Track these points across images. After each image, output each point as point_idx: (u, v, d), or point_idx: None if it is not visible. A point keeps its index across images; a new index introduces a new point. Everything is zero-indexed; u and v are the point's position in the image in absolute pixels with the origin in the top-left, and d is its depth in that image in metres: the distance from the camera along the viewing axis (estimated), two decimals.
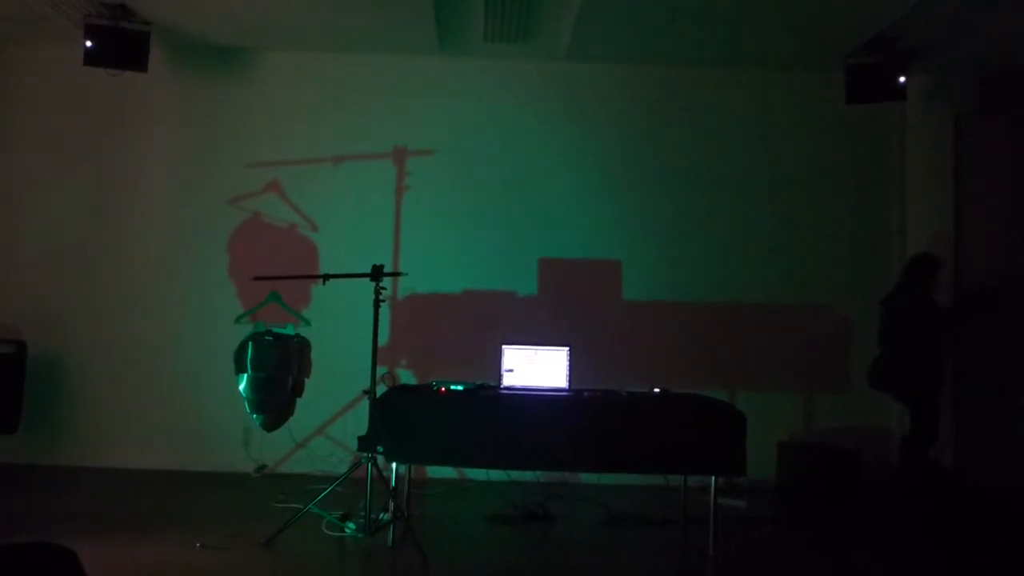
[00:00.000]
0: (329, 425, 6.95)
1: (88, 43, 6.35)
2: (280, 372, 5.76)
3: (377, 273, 4.86)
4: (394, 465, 4.90)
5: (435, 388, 5.09)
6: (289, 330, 6.11)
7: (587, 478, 6.52)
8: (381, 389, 5.05)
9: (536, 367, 5.24)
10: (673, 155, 7.35)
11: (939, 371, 6.25)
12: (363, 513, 4.82)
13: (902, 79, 6.61)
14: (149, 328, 7.08)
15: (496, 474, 5.88)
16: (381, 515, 4.97)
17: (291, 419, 6.05)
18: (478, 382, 5.23)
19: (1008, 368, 6.74)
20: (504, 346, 5.28)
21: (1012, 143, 6.99)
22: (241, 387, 5.77)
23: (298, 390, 5.93)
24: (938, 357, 6.25)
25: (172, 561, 4.44)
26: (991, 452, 6.71)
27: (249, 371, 5.72)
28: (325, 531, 5.00)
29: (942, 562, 5.10)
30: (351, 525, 4.98)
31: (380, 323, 4.95)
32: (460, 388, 5.06)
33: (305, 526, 4.91)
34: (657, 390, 5.26)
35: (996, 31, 6.29)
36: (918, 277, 6.33)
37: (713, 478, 4.86)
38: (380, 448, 4.80)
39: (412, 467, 5.23)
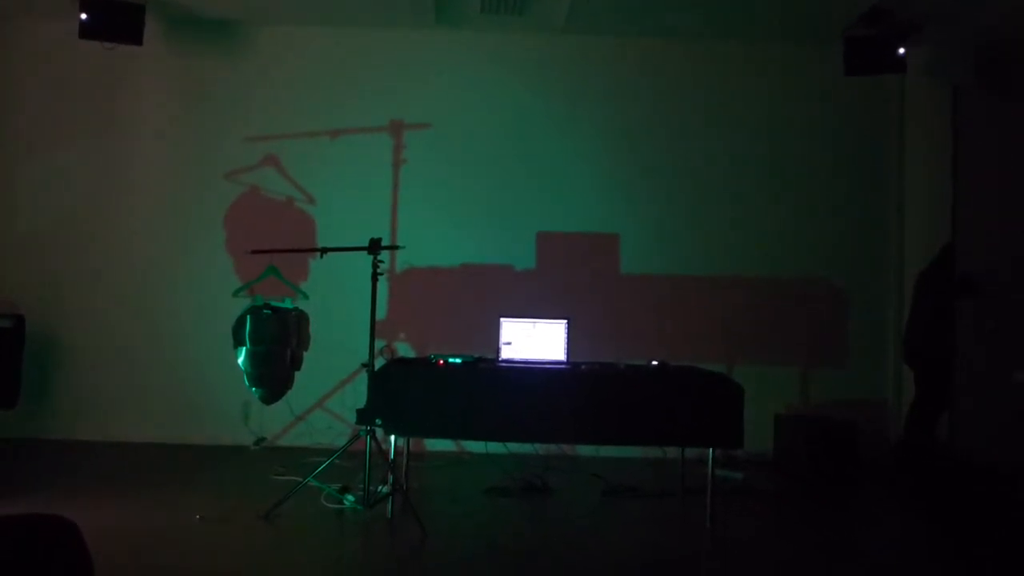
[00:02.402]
0: (328, 399, 6.97)
1: (83, 16, 6.31)
2: (278, 345, 5.76)
3: (374, 247, 4.85)
4: (392, 438, 4.92)
5: (433, 361, 5.10)
6: (287, 304, 6.12)
7: (585, 450, 6.56)
8: (379, 362, 5.06)
9: (534, 340, 5.25)
10: (671, 128, 7.32)
11: (949, 340, 6.34)
12: (362, 485, 4.85)
13: (901, 51, 6.59)
14: (147, 301, 7.08)
15: (494, 447, 5.90)
16: (380, 487, 5.00)
17: (290, 392, 6.06)
18: (476, 355, 5.24)
19: (1004, 343, 6.75)
20: (502, 319, 5.29)
21: (1011, 116, 6.96)
22: (240, 360, 5.77)
23: (296, 363, 5.94)
24: (949, 327, 6.35)
25: (172, 533, 4.46)
26: (986, 427, 6.73)
27: (248, 344, 5.73)
28: (324, 503, 5.03)
29: (937, 534, 5.14)
30: (350, 497, 5.00)
31: (378, 297, 4.96)
32: (458, 361, 5.07)
33: (304, 499, 4.94)
34: (655, 363, 5.27)
35: (995, 5, 6.26)
36: (940, 257, 6.45)
37: (711, 450, 4.88)
38: (379, 421, 4.81)
39: (410, 440, 5.24)
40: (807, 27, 6.95)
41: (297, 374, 6.03)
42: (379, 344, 6.66)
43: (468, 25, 7.16)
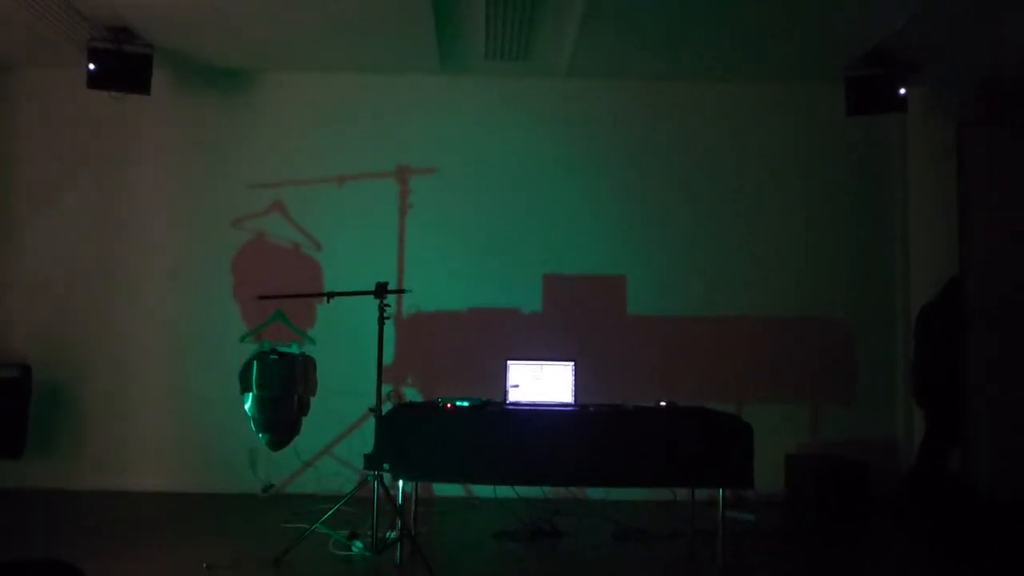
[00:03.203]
0: (335, 444, 6.94)
1: (91, 66, 6.37)
2: (285, 391, 5.74)
3: (381, 291, 4.86)
4: (400, 483, 4.88)
5: (441, 405, 5.07)
6: (294, 349, 6.11)
7: (595, 493, 6.50)
8: (387, 407, 5.04)
9: (542, 383, 5.23)
10: (675, 169, 7.36)
11: (956, 375, 6.31)
12: (370, 532, 4.81)
13: (902, 91, 6.63)
14: (153, 349, 7.09)
15: (503, 491, 5.85)
16: (388, 533, 4.96)
17: (297, 438, 6.03)
18: (484, 398, 5.22)
19: (1014, 375, 6.71)
20: (509, 362, 5.27)
21: (1014, 153, 6.98)
22: (246, 406, 5.75)
23: (304, 409, 5.92)
24: (957, 361, 6.33)
25: None
26: (998, 460, 6.67)
27: (254, 390, 5.71)
28: (332, 550, 4.98)
29: (951, 573, 5.07)
30: (358, 544, 4.96)
31: (385, 341, 4.95)
32: (466, 404, 5.04)
33: (312, 545, 4.90)
34: (663, 403, 5.25)
35: (996, 41, 6.31)
36: (944, 292, 6.47)
37: (721, 491, 4.84)
38: (386, 466, 4.78)
39: (419, 485, 5.21)
40: (809, 68, 7.01)
41: (304, 420, 6.00)
42: (386, 389, 6.65)
43: (472, 70, 7.23)
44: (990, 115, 7.08)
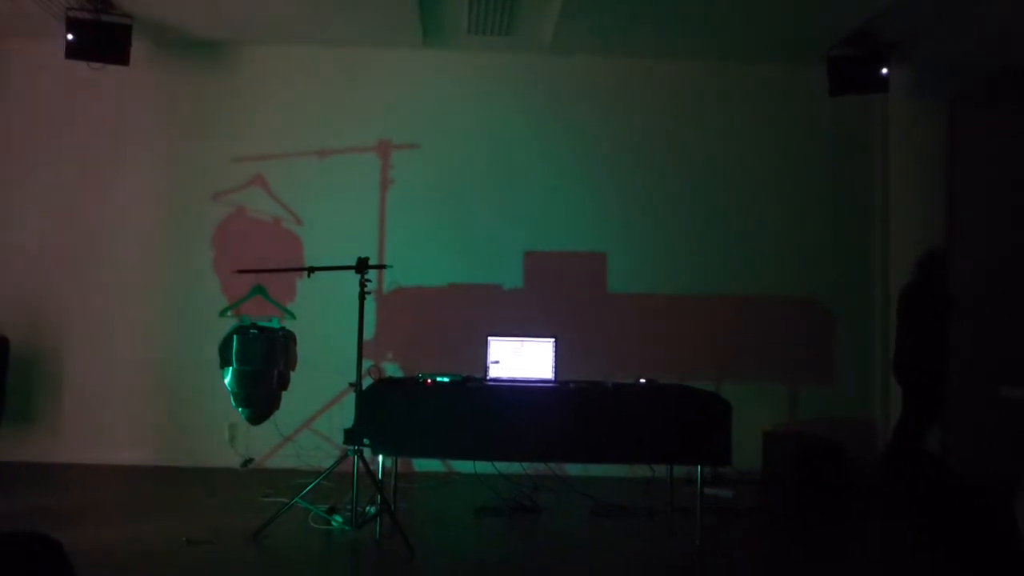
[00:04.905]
0: (315, 419, 6.94)
1: (69, 36, 6.29)
2: (265, 365, 5.72)
3: (362, 265, 4.84)
4: (380, 458, 4.89)
5: (421, 380, 5.07)
6: (274, 323, 6.09)
7: (574, 470, 6.54)
8: (367, 382, 5.04)
9: (522, 359, 5.23)
10: (658, 148, 7.35)
11: (938, 357, 6.35)
12: (350, 506, 4.82)
13: (884, 71, 6.64)
14: (133, 323, 7.05)
15: (483, 466, 5.87)
16: (367, 508, 4.97)
17: (277, 413, 6.02)
18: (464, 374, 5.23)
19: (992, 358, 6.77)
20: (490, 338, 5.27)
21: (995, 134, 7.01)
22: (226, 381, 5.73)
23: (283, 383, 5.90)
24: (938, 343, 6.37)
25: (158, 555, 4.42)
26: (975, 442, 6.75)
27: (234, 364, 5.68)
28: (312, 524, 4.99)
29: (925, 551, 5.13)
30: (338, 518, 4.97)
31: (365, 316, 4.94)
32: (446, 380, 5.05)
33: (292, 520, 4.90)
34: (643, 381, 5.27)
35: (977, 24, 6.32)
36: (926, 275, 6.48)
37: (699, 467, 4.87)
38: (366, 441, 4.78)
39: (398, 460, 5.21)
40: (792, 48, 7.01)
41: (284, 394, 5.99)
42: (367, 364, 6.64)
43: (455, 45, 7.19)
44: (971, 96, 7.11)
